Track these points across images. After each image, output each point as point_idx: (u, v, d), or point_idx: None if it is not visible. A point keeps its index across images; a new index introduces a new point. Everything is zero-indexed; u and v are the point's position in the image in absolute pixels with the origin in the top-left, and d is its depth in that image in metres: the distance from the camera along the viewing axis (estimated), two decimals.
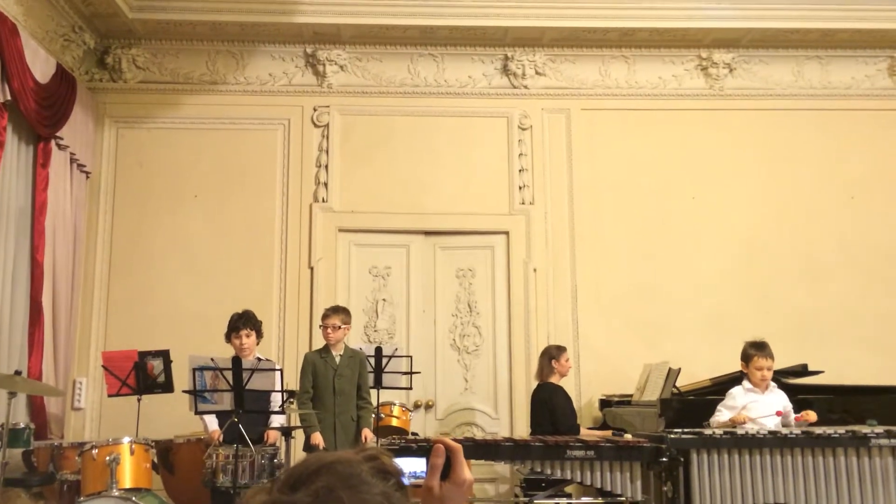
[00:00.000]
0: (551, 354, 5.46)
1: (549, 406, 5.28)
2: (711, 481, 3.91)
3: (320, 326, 5.15)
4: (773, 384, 4.66)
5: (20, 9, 5.24)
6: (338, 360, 5.05)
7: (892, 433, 3.98)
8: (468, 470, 1.29)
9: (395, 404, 5.53)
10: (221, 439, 4.39)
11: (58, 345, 5.63)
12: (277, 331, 6.08)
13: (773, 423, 4.45)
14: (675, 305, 6.24)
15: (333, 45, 6.44)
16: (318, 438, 4.83)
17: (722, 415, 4.58)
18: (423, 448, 3.73)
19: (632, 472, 3.94)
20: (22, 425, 4.63)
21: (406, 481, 1.10)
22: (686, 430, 4.08)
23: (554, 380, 5.42)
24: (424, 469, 1.29)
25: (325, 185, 6.35)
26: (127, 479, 4.23)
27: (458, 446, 1.29)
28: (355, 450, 1.11)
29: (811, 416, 4.53)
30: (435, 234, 6.39)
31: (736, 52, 6.58)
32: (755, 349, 4.59)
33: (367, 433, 4.96)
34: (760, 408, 4.54)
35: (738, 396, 4.61)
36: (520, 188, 6.42)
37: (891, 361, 6.02)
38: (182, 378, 4.66)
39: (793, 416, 4.60)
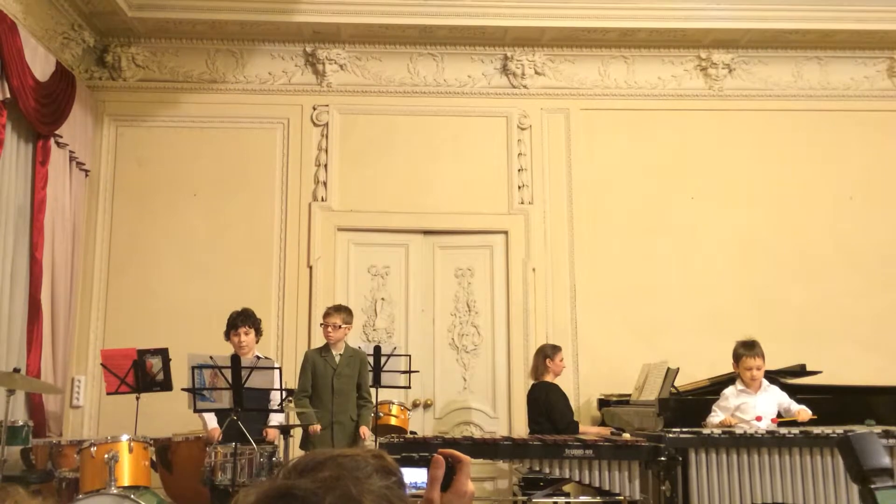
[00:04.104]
0: (546, 353, 5.47)
1: (546, 405, 5.29)
2: (709, 481, 3.91)
3: (321, 325, 5.15)
4: (766, 382, 4.67)
5: (19, 7, 5.24)
6: (338, 359, 5.05)
7: (890, 433, 3.99)
8: (471, 482, 1.29)
9: (393, 403, 5.54)
10: (221, 437, 4.39)
11: (56, 342, 5.63)
12: (276, 329, 6.08)
13: (763, 425, 4.46)
14: (673, 305, 6.25)
15: (333, 45, 6.45)
16: (316, 427, 4.82)
17: (716, 416, 4.60)
18: (424, 459, 3.74)
19: (630, 471, 3.95)
20: (20, 423, 4.63)
21: (405, 491, 1.11)
22: (684, 429, 4.09)
23: (548, 378, 5.42)
24: (425, 480, 1.29)
25: (325, 184, 6.36)
26: (125, 477, 4.23)
27: (468, 458, 1.29)
28: (357, 447, 1.13)
29: (802, 415, 4.53)
30: (434, 233, 6.39)
31: (735, 53, 6.59)
32: (744, 349, 4.62)
33: (364, 430, 4.96)
34: (752, 409, 4.55)
35: (731, 397, 4.64)
36: (519, 188, 6.43)
37: (889, 361, 6.03)
38: (181, 376, 4.66)
39: (794, 408, 4.60)
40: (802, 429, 4.12)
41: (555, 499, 5.37)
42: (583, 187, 6.44)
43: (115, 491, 4.14)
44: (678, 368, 5.28)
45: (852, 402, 5.12)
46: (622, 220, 6.40)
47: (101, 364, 5.05)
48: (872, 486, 1.78)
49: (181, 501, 4.76)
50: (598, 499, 5.08)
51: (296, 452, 5.05)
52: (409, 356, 5.38)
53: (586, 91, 6.59)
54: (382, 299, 6.30)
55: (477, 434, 5.92)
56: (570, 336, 6.18)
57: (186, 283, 6.13)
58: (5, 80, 4.98)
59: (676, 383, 5.30)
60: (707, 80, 6.61)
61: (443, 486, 1.26)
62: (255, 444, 4.25)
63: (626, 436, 4.42)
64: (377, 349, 5.16)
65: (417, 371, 5.60)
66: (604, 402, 6.04)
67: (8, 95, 5.01)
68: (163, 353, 5.03)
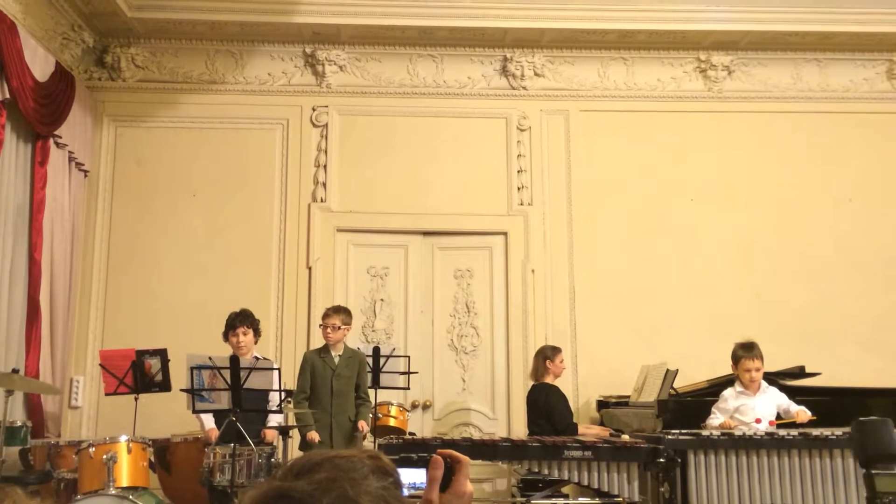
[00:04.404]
0: (546, 355, 5.46)
1: (546, 406, 5.28)
2: (708, 482, 3.91)
3: (320, 326, 5.15)
4: (764, 384, 4.68)
5: (19, 7, 5.24)
6: (336, 360, 5.04)
7: None
8: (469, 483, 1.29)
9: (392, 404, 5.53)
10: (218, 437, 4.39)
11: (55, 343, 5.62)
12: (275, 330, 6.08)
13: (762, 427, 4.46)
14: (672, 306, 6.25)
15: (333, 46, 6.45)
16: (314, 435, 4.82)
17: (715, 417, 4.61)
18: (423, 459, 3.74)
19: (629, 472, 3.95)
20: (19, 423, 4.64)
21: (405, 492, 1.12)
22: (683, 431, 4.09)
23: (548, 380, 5.42)
24: (424, 480, 1.29)
25: (324, 184, 6.36)
26: (124, 477, 4.23)
27: (466, 458, 1.29)
28: (354, 448, 1.13)
29: (801, 416, 4.54)
30: (433, 234, 6.39)
31: (735, 55, 6.59)
32: (743, 351, 4.63)
33: (362, 424, 4.95)
34: (752, 410, 4.55)
35: (730, 399, 4.64)
36: (518, 189, 6.43)
37: (888, 363, 6.03)
38: (180, 377, 4.65)
39: (794, 409, 4.60)
40: (801, 431, 4.12)
41: (554, 500, 5.36)
42: (582, 189, 6.44)
43: (113, 492, 4.13)
44: (677, 370, 5.28)
45: (851, 403, 5.12)
46: (621, 222, 6.40)
47: (100, 364, 5.04)
48: (873, 472, 1.78)
49: (180, 502, 4.76)
50: (596, 500, 5.07)
51: (294, 453, 5.05)
52: (409, 357, 5.38)
53: (586, 93, 6.59)
54: (381, 300, 6.30)
55: (476, 435, 5.91)
56: (570, 337, 6.18)
57: (185, 283, 6.12)
58: (5, 81, 4.97)
59: (675, 385, 5.30)
60: (706, 81, 6.61)
61: (442, 487, 1.26)
62: (253, 444, 4.25)
63: (625, 437, 4.42)
64: (376, 350, 5.15)
65: (416, 372, 5.59)
66: (603, 404, 6.04)
67: (7, 96, 5.01)
68: (161, 354, 5.02)
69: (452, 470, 1.27)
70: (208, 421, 4.74)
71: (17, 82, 5.04)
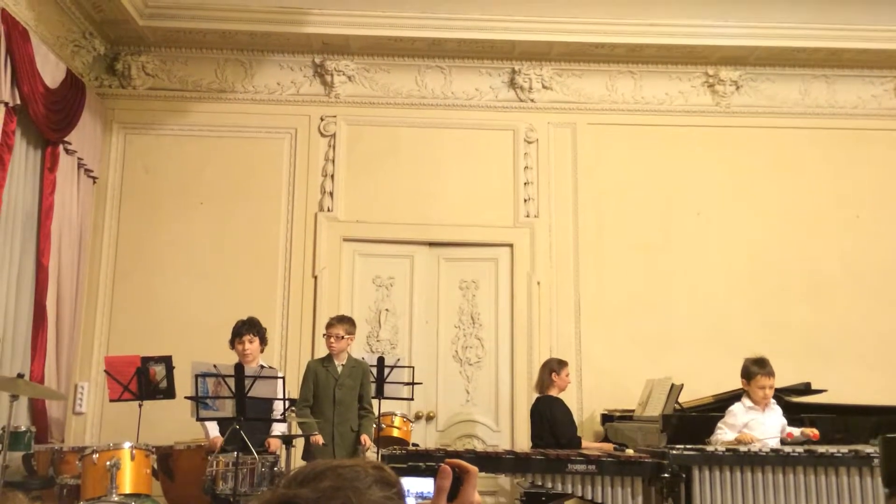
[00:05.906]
0: (552, 367, 5.45)
1: (549, 419, 5.26)
2: (713, 498, 3.90)
3: (324, 335, 5.15)
4: (772, 401, 4.65)
5: (31, 14, 5.29)
6: (340, 369, 5.03)
7: None
8: (477, 493, 1.29)
9: (396, 415, 5.52)
10: (222, 446, 4.39)
11: (60, 348, 5.64)
12: (280, 339, 6.08)
13: (774, 443, 4.44)
14: (678, 321, 6.24)
15: (342, 56, 6.48)
16: (318, 437, 4.81)
17: (724, 433, 4.53)
18: (431, 468, 3.73)
19: (633, 487, 3.94)
20: (23, 428, 4.64)
21: (413, 501, 1.13)
22: (688, 446, 4.08)
23: (553, 393, 5.40)
24: (432, 490, 1.29)
25: (331, 194, 6.37)
26: (127, 484, 4.24)
27: (474, 468, 1.29)
28: (358, 458, 1.14)
29: (809, 432, 4.53)
30: (439, 245, 6.40)
31: (743, 70, 6.60)
32: (757, 367, 4.54)
33: (365, 438, 4.94)
34: (761, 426, 4.52)
35: (739, 414, 4.58)
36: (525, 201, 6.43)
37: (893, 380, 6.00)
38: (184, 384, 4.66)
39: (787, 430, 4.58)
40: (807, 448, 4.10)
41: None
42: (588, 201, 6.45)
43: (116, 498, 4.14)
44: (682, 385, 5.27)
45: (857, 421, 5.10)
46: (627, 235, 6.40)
47: (105, 371, 5.05)
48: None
49: None
50: None
51: (297, 462, 5.04)
52: (413, 368, 5.37)
53: (593, 106, 6.61)
54: (387, 310, 6.30)
55: (479, 447, 5.89)
56: (574, 350, 6.17)
57: (191, 291, 6.14)
58: (16, 87, 5.01)
59: (680, 399, 5.28)
60: (714, 96, 6.62)
61: (449, 497, 1.26)
62: (256, 453, 4.24)
63: (630, 451, 4.40)
64: (380, 360, 5.15)
65: (420, 383, 5.58)
66: (607, 418, 6.02)
67: (18, 102, 5.05)
68: (166, 361, 5.03)
69: (461, 480, 1.27)
70: (212, 429, 4.73)
71: (28, 88, 5.08)
